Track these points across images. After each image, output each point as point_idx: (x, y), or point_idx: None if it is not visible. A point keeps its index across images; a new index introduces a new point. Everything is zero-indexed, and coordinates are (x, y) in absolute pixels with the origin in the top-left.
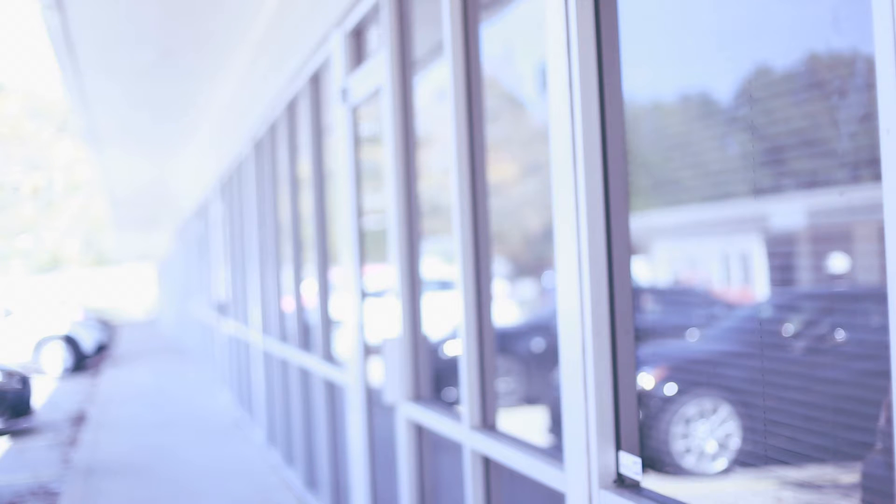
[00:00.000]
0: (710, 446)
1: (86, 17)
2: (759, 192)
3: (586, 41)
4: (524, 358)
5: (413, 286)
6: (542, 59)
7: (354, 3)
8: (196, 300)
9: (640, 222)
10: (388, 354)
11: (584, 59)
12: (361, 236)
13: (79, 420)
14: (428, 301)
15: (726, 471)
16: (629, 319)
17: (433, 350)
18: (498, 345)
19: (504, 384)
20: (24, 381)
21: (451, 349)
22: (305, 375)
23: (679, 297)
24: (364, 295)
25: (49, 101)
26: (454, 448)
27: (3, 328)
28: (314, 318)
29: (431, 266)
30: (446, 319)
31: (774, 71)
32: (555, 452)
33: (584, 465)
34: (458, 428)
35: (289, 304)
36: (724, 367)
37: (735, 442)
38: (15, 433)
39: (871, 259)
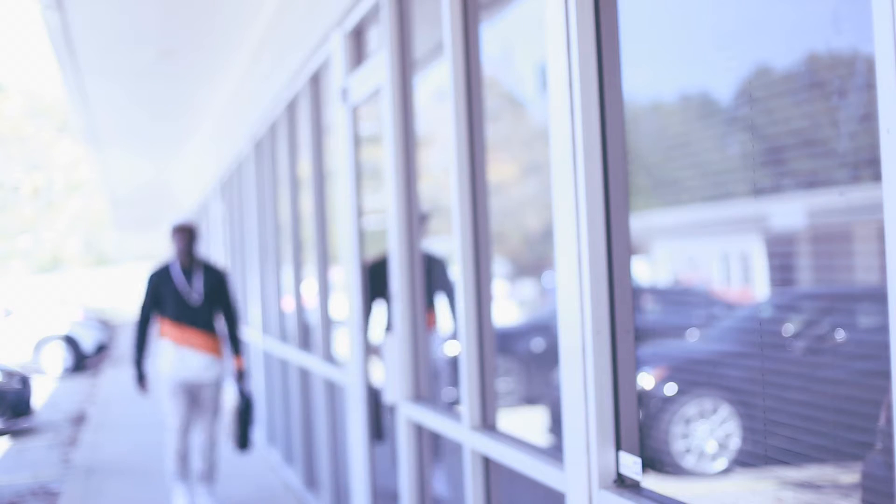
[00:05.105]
0: (710, 446)
1: (86, 17)
2: (759, 192)
3: (586, 41)
4: (524, 358)
5: (414, 286)
6: (542, 59)
7: (354, 3)
8: None
9: (640, 222)
10: (388, 354)
11: (584, 59)
12: (361, 236)
13: (79, 420)
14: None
15: (726, 471)
16: (629, 319)
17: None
18: (498, 345)
19: (504, 384)
20: (24, 381)
21: (452, 349)
22: (305, 375)
23: (679, 297)
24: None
25: (49, 102)
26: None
27: (3, 328)
28: (314, 318)
29: None
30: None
31: (774, 71)
32: (555, 452)
33: (584, 465)
34: (458, 428)
35: (289, 304)
36: (724, 367)
37: (735, 442)
38: (15, 433)
39: (871, 259)
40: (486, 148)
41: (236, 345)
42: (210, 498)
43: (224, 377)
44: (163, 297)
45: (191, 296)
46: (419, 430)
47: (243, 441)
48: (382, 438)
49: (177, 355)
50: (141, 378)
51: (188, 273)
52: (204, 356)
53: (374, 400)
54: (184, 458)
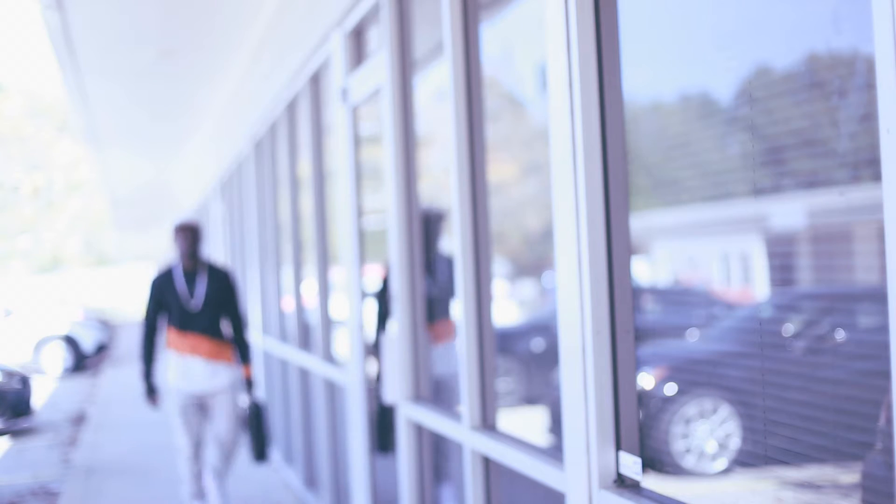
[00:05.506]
0: (710, 446)
1: (86, 17)
2: (759, 192)
3: (586, 41)
4: (524, 358)
5: (413, 286)
6: (542, 59)
7: (354, 3)
8: None
9: (640, 222)
10: (388, 354)
11: (584, 59)
12: (361, 236)
13: (79, 420)
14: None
15: (726, 471)
16: (629, 319)
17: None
18: (498, 345)
19: (504, 384)
20: (24, 381)
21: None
22: (305, 375)
23: (679, 297)
24: (364, 295)
25: (49, 102)
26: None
27: (3, 328)
28: (314, 318)
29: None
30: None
31: (774, 71)
32: (555, 452)
33: (584, 465)
34: (458, 428)
35: (289, 304)
36: (724, 367)
37: (735, 442)
38: (15, 433)
39: (871, 259)
40: (486, 148)
41: (244, 352)
42: (220, 494)
43: (237, 383)
44: (166, 304)
45: (193, 301)
46: (419, 430)
47: (259, 453)
48: (389, 450)
49: (181, 365)
50: (151, 392)
51: (191, 276)
52: (210, 364)
53: (384, 410)
54: (199, 478)
